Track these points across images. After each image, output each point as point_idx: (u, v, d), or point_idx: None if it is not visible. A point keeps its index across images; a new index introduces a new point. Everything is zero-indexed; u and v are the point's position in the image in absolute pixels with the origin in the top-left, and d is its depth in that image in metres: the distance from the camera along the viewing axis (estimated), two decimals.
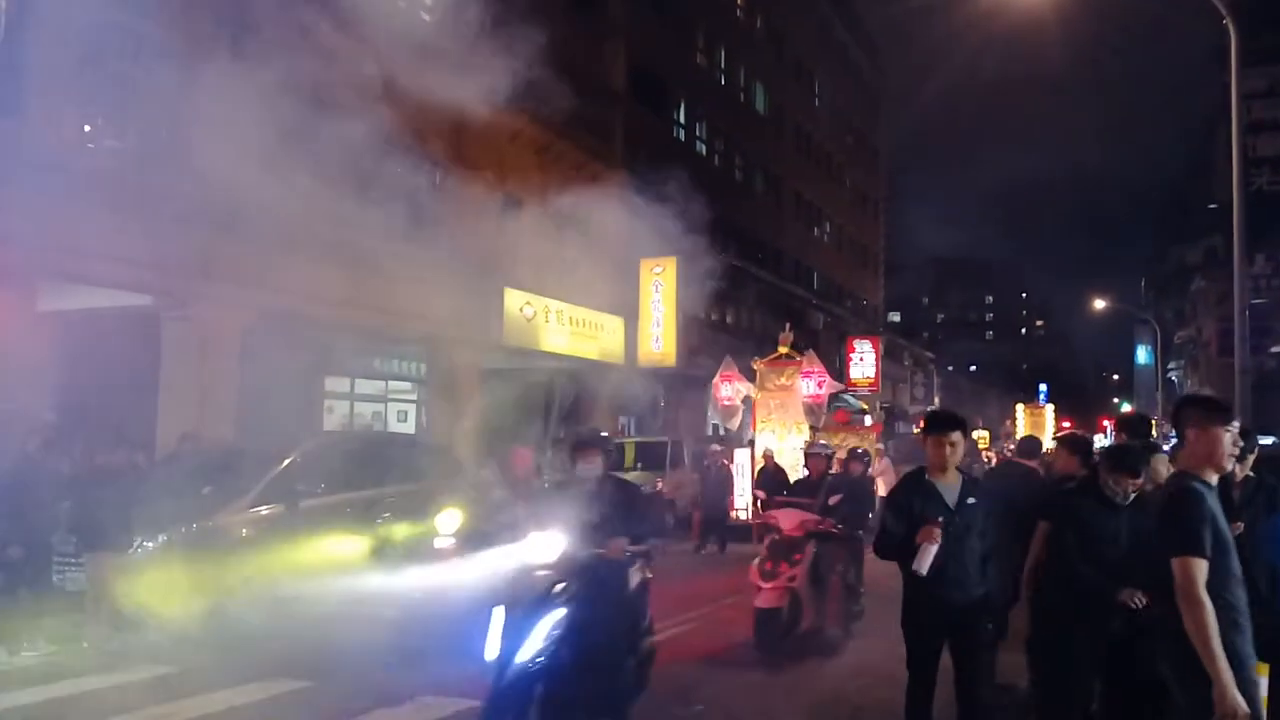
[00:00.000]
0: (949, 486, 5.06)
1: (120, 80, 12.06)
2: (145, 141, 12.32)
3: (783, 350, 19.47)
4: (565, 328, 20.10)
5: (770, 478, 14.77)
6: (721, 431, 21.36)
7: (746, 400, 19.14)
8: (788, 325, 20.39)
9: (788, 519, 9.01)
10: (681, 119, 30.55)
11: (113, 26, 11.88)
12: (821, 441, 14.65)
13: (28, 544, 8.23)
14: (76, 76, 11.51)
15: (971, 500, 5.06)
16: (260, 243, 13.67)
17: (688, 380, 24.04)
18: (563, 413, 22.98)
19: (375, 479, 11.80)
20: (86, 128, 11.62)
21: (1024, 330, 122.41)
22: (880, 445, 18.74)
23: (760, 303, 33.77)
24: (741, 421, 19.09)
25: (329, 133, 14.36)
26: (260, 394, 14.45)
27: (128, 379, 13.12)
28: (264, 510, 10.24)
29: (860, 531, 9.44)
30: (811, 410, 18.19)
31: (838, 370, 37.26)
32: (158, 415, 13.03)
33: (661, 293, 22.34)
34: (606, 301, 22.26)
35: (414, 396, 20.30)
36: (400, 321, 16.53)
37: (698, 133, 31.72)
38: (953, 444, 5.06)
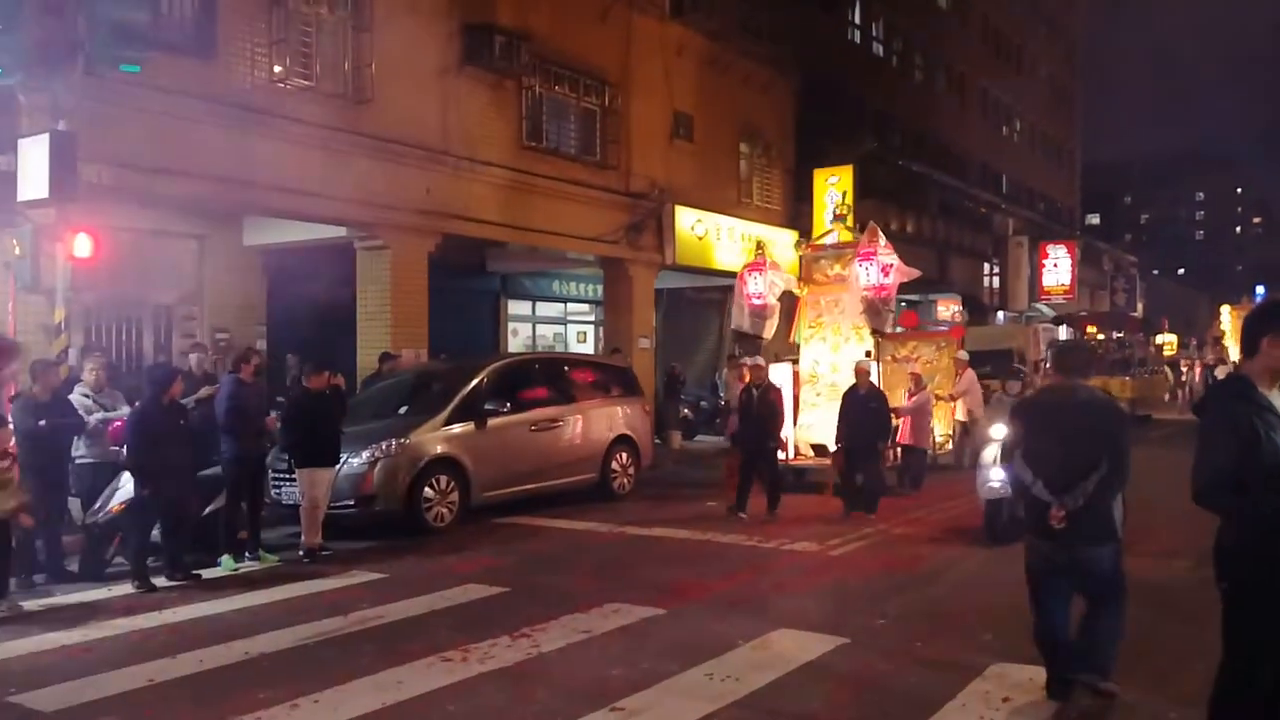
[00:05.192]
0: (1278, 399, 3.65)
1: (306, 18, 12.51)
2: (331, 78, 12.79)
3: (837, 228, 14.68)
4: (736, 244, 19.84)
5: (860, 405, 11.13)
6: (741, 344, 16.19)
7: (788, 298, 14.56)
8: (843, 195, 16.11)
9: None
10: (857, 19, 29.22)
11: None
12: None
13: (246, 462, 8.89)
14: (264, 17, 12.01)
15: None
16: (443, 171, 14.10)
17: None
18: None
19: (558, 397, 12.16)
20: (277, 67, 12.14)
21: (1239, 229, 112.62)
22: (963, 355, 14.28)
23: (944, 210, 32.30)
24: (778, 328, 14.53)
25: (505, 57, 14.58)
26: (448, 318, 15.06)
27: (327, 307, 13.91)
28: (456, 428, 10.73)
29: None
30: (874, 308, 13.11)
31: (1030, 277, 35.45)
32: (357, 340, 13.76)
33: (837, 205, 21.64)
34: (780, 216, 21.86)
35: (591, 317, 20.68)
36: (576, 244, 16.75)
37: (874, 33, 30.28)
38: None
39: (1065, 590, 4.98)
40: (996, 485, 8.91)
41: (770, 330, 14.22)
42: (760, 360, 12.02)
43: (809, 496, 12.03)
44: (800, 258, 14.69)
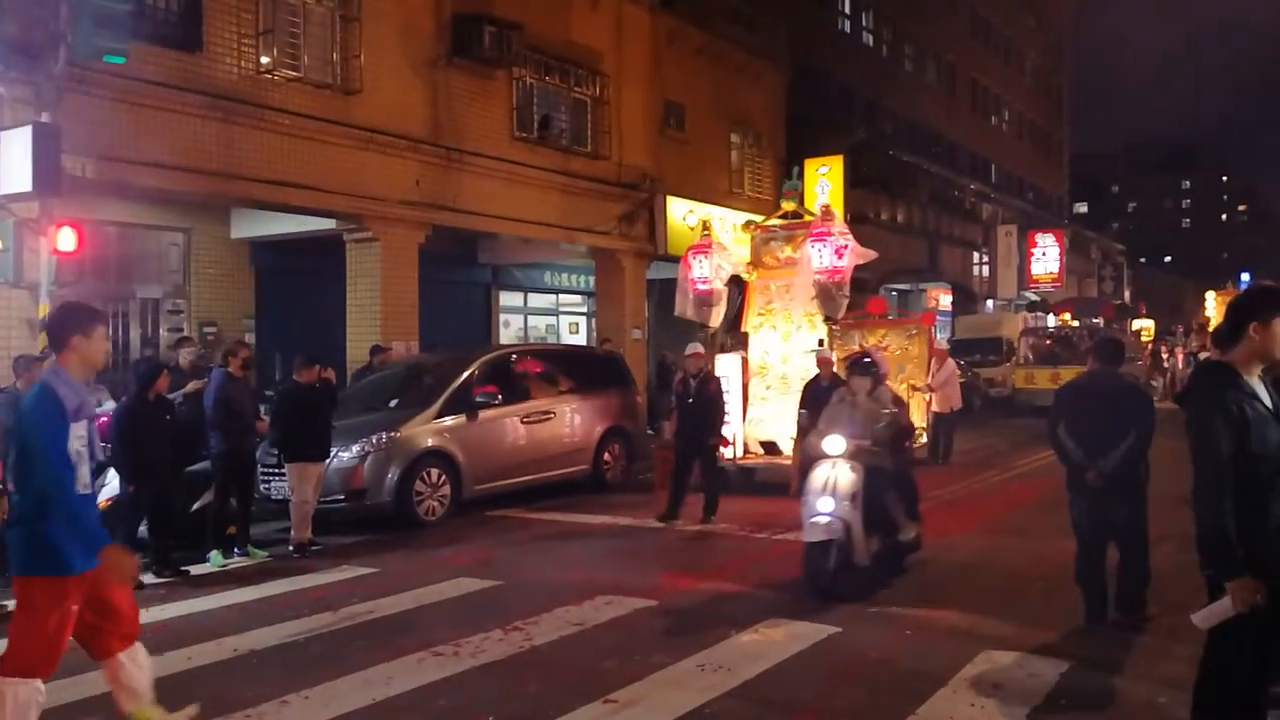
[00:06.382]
0: (1260, 386, 3.51)
1: (293, 8, 12.42)
2: (319, 69, 12.70)
3: (790, 207, 13.36)
4: (728, 234, 19.75)
5: (825, 396, 9.09)
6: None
7: (736, 283, 13.45)
8: (795, 170, 14.41)
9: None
10: (847, 10, 29.22)
11: None
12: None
13: (235, 457, 8.81)
14: (251, 7, 11.91)
15: None
16: (433, 162, 14.02)
17: (858, 284, 23.35)
18: (728, 323, 22.84)
19: (549, 388, 12.13)
20: (264, 58, 12.05)
21: (1224, 216, 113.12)
22: (945, 345, 13.04)
23: (934, 200, 32.35)
24: (727, 316, 13.30)
25: (495, 48, 14.51)
26: (439, 310, 14.98)
27: (316, 300, 13.83)
28: (447, 421, 10.68)
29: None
30: (827, 293, 11.77)
31: (1019, 265, 35.53)
32: (346, 334, 13.69)
33: (828, 194, 21.62)
34: (771, 206, 21.82)
35: (584, 308, 20.64)
36: (567, 235, 16.69)
37: (865, 23, 30.30)
38: None
39: (1103, 541, 6.14)
40: (825, 520, 6.78)
41: (716, 318, 13.03)
42: (699, 348, 10.84)
43: (763, 499, 11.06)
44: (751, 240, 13.49)
